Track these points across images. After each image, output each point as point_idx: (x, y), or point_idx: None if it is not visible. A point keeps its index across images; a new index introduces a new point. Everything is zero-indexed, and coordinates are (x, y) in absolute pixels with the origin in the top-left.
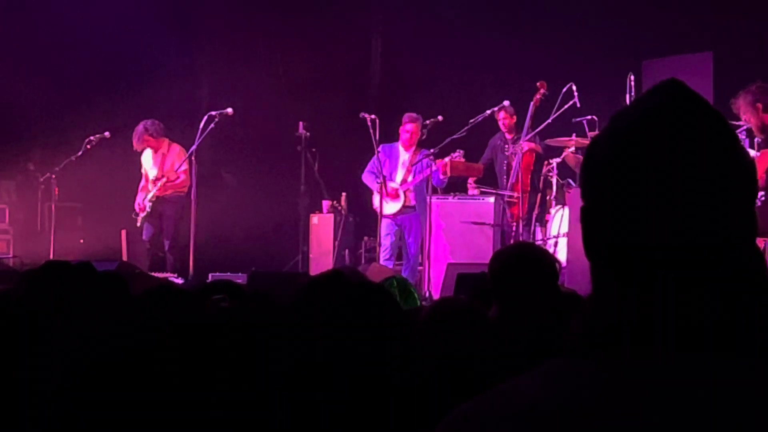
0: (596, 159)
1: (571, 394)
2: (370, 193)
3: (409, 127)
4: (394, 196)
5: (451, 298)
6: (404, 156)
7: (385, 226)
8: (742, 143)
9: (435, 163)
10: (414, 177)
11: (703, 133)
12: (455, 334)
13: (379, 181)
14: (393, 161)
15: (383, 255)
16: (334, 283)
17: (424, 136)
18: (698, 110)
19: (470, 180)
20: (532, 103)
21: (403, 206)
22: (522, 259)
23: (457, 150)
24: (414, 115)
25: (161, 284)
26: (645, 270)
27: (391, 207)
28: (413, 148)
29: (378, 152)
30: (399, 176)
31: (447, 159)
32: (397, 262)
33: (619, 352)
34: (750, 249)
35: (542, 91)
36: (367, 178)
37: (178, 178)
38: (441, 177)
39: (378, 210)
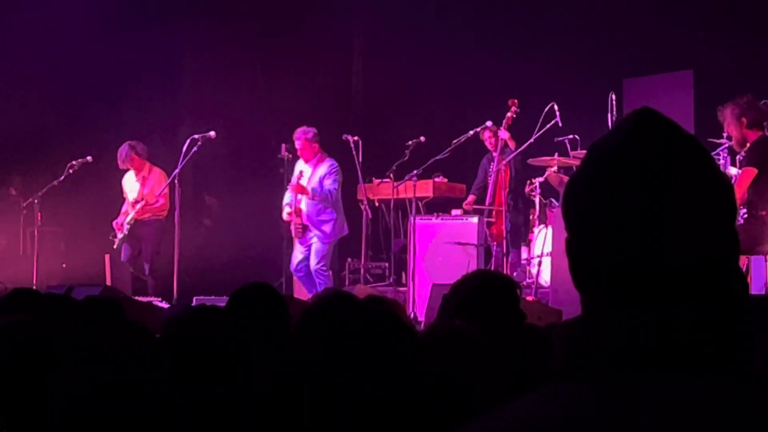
0: (577, 189)
1: (564, 418)
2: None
3: (296, 144)
4: (289, 219)
5: (446, 322)
6: (307, 173)
7: (294, 253)
8: (718, 164)
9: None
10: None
11: (679, 157)
12: (452, 359)
13: (288, 203)
14: (300, 177)
15: (297, 281)
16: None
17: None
18: (672, 134)
19: (468, 200)
20: (504, 120)
21: (296, 227)
22: (482, 289)
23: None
24: (298, 131)
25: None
26: (630, 293)
27: (292, 229)
28: (311, 161)
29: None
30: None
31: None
32: (379, 283)
33: (610, 375)
34: (733, 268)
35: (514, 108)
36: (284, 198)
37: (157, 201)
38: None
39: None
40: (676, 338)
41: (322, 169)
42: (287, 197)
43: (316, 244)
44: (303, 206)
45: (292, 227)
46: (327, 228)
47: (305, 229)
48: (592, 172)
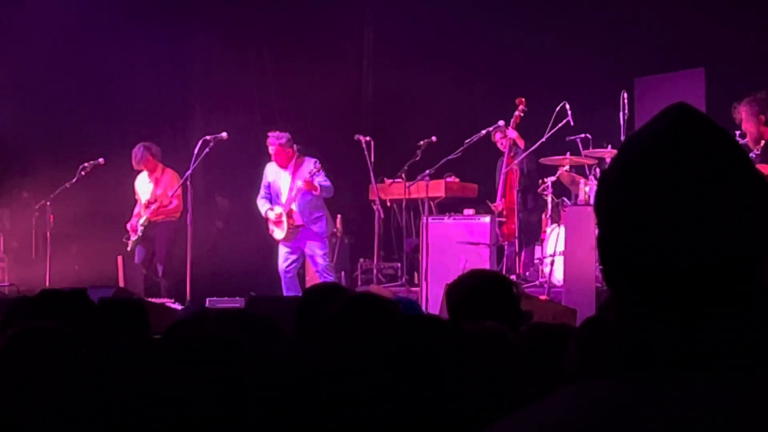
0: (610, 187)
1: (596, 418)
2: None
3: (270, 149)
4: (278, 221)
5: (481, 322)
6: (285, 174)
7: (281, 254)
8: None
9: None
10: (297, 194)
11: (715, 154)
12: (486, 359)
13: (270, 208)
14: (278, 181)
15: (283, 283)
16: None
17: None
18: (709, 131)
19: (497, 202)
20: (512, 119)
21: (289, 229)
22: (479, 290)
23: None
24: (272, 135)
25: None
26: (664, 293)
27: (278, 233)
28: (289, 164)
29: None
30: (284, 197)
31: (307, 177)
32: (392, 284)
33: (642, 375)
34: (765, 269)
35: (521, 107)
36: (258, 204)
37: (171, 203)
38: (312, 194)
39: (275, 238)
40: (706, 340)
41: (306, 168)
42: (263, 203)
43: (314, 243)
44: (294, 207)
45: (284, 230)
46: (322, 225)
47: (297, 229)
48: (626, 168)
